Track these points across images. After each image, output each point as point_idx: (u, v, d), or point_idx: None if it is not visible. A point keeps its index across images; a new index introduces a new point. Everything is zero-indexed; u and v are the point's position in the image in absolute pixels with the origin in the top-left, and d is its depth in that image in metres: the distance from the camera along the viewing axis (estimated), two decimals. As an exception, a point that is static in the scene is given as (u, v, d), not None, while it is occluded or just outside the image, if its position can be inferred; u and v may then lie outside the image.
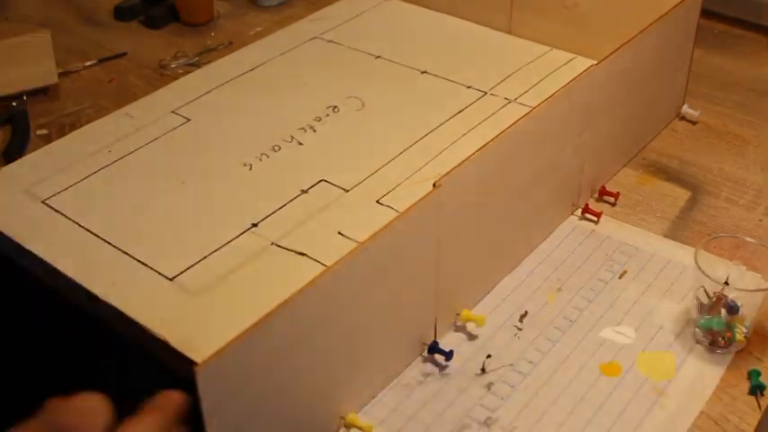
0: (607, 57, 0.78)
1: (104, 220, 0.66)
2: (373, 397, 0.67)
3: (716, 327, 0.69)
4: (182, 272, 0.61)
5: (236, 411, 0.54)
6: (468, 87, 0.83)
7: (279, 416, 0.58)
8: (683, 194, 0.87)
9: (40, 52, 1.03)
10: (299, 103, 0.81)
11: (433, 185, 0.63)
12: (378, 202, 0.68)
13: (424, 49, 0.90)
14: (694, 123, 0.98)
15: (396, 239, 0.62)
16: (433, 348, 0.69)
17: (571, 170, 0.81)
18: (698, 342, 0.71)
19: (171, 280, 0.60)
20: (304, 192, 0.69)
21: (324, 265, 0.60)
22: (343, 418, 0.64)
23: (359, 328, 0.62)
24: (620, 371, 0.68)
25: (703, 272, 0.68)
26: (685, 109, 0.98)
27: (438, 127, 0.77)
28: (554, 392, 0.67)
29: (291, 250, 0.63)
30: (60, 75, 1.06)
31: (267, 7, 1.25)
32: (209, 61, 1.01)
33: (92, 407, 0.46)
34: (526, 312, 0.74)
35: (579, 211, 0.84)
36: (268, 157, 0.74)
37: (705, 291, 0.69)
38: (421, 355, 0.70)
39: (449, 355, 0.68)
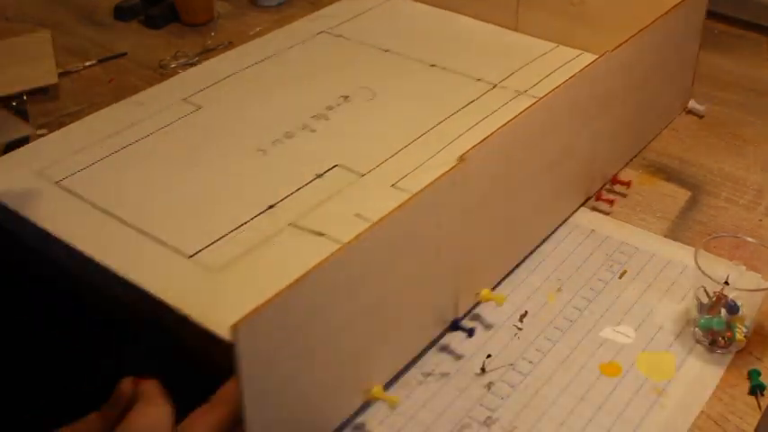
0: (620, 45, 0.77)
1: (119, 200, 0.66)
2: (397, 371, 0.66)
3: (716, 327, 0.69)
4: (200, 250, 0.61)
5: (269, 378, 0.52)
6: (478, 80, 0.84)
7: (309, 384, 0.57)
8: (683, 194, 0.87)
9: (40, 52, 1.03)
10: (311, 92, 0.82)
11: (460, 158, 0.62)
12: (393, 186, 0.68)
13: (431, 45, 0.91)
14: (701, 117, 0.98)
15: (416, 215, 0.60)
16: (455, 326, 0.69)
17: (584, 157, 0.81)
18: (698, 342, 0.71)
19: (190, 258, 0.60)
20: (319, 176, 0.70)
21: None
22: (367, 390, 0.63)
23: (384, 301, 0.61)
24: (620, 371, 0.68)
25: (703, 272, 0.68)
26: (692, 104, 0.99)
27: (450, 116, 0.77)
28: (554, 392, 0.67)
29: (310, 230, 0.63)
30: (60, 75, 1.06)
31: (267, 7, 1.25)
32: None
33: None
34: (526, 312, 0.74)
35: (593, 200, 0.84)
36: (282, 143, 0.74)
37: (705, 291, 0.69)
38: (440, 336, 0.68)
39: (471, 332, 0.68)
